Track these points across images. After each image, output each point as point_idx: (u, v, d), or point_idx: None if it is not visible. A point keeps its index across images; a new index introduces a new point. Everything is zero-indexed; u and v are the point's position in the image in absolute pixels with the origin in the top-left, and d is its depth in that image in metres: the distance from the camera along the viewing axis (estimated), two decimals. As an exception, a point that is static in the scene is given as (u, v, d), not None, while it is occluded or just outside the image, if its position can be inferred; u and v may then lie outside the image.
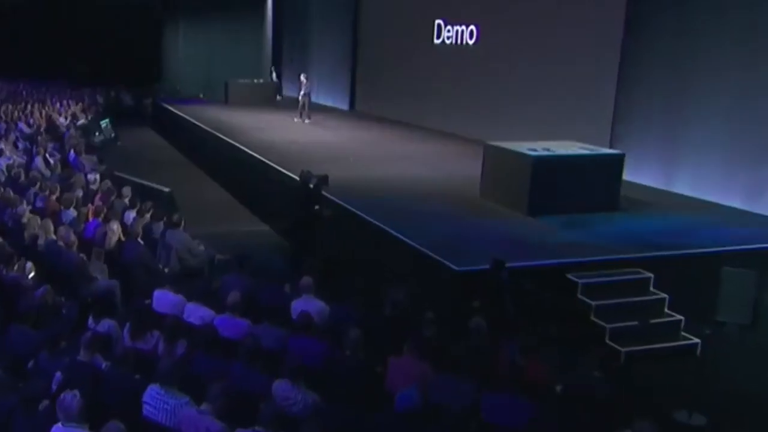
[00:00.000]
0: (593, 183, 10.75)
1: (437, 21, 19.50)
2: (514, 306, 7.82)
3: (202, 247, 9.50)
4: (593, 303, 8.35)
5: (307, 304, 7.02)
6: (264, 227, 13.03)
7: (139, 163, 17.51)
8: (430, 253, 8.71)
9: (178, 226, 9.36)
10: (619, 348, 8.02)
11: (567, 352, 7.51)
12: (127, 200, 10.59)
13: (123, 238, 9.44)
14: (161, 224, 9.60)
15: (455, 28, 18.87)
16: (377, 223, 9.92)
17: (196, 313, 6.93)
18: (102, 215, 9.56)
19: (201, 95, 25.01)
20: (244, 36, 28.49)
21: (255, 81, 25.24)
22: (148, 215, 9.87)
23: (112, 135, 20.66)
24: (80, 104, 23.94)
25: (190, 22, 32.45)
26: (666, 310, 8.53)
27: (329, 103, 25.01)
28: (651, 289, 8.69)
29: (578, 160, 10.77)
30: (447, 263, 8.40)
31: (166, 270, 8.98)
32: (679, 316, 8.45)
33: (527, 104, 15.76)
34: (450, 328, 6.90)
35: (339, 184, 11.76)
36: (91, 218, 9.79)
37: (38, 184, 11.15)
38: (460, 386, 5.43)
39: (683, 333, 8.39)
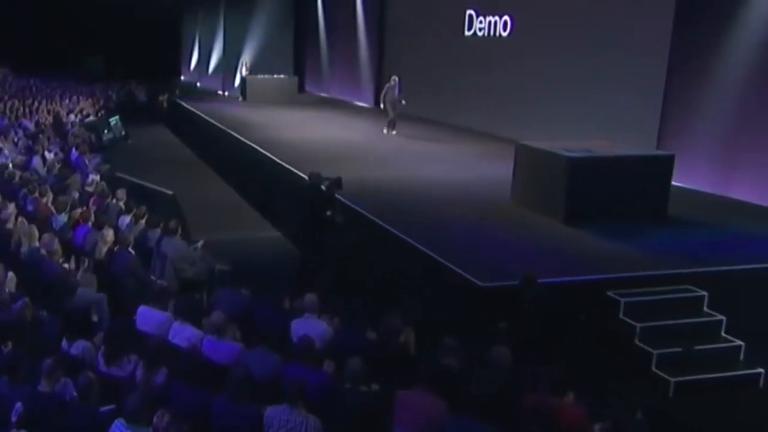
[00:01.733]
0: (638, 188, 10.00)
1: (468, 11, 18.88)
2: (546, 328, 7.16)
3: (201, 257, 8.97)
4: (637, 325, 7.64)
5: (309, 325, 6.45)
6: (275, 233, 12.51)
7: (148, 163, 17.20)
8: (451, 266, 8.08)
9: (175, 233, 8.86)
10: (667, 378, 7.29)
11: (606, 384, 6.90)
12: (122, 204, 10.10)
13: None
14: (157, 231, 9.09)
15: (488, 18, 18.22)
16: (393, 230, 9.33)
17: (183, 333, 6.39)
18: (91, 220, 9.05)
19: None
20: (265, 29, 28.06)
21: (274, 76, 24.77)
22: (143, 221, 9.37)
23: (122, 133, 20.35)
24: (90, 100, 23.70)
25: (208, 15, 32.18)
26: (723, 334, 7.78)
27: (352, 99, 24.55)
28: (705, 309, 7.95)
29: (621, 162, 10.04)
30: (470, 278, 7.76)
31: (159, 282, 8.47)
32: (738, 342, 7.68)
33: (565, 101, 15.03)
34: (470, 353, 6.27)
35: (356, 187, 11.25)
36: (80, 223, 9.29)
37: (29, 185, 10.69)
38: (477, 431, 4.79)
39: (743, 361, 7.63)
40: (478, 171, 13.28)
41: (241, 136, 16.51)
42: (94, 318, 7.83)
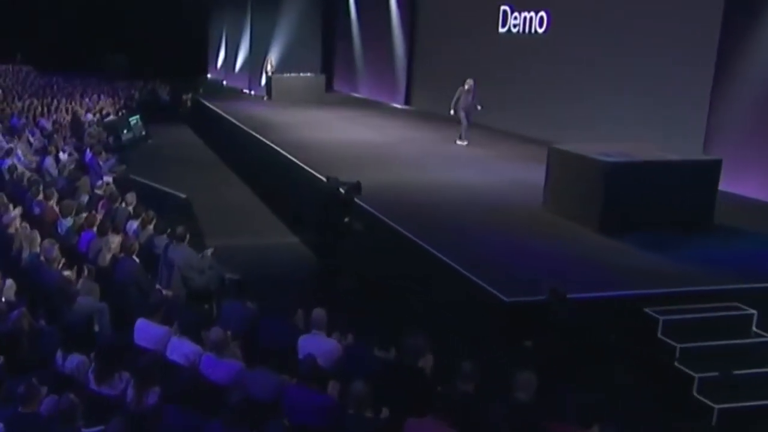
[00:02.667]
0: (681, 194, 9.52)
1: (503, 7, 18.48)
2: (576, 348, 6.77)
3: (210, 265, 8.71)
4: (678, 345, 7.20)
5: (316, 343, 6.14)
6: (294, 239, 12.24)
7: (167, 164, 17.13)
8: (475, 279, 7.72)
9: (183, 240, 8.62)
10: (710, 404, 6.85)
11: (642, 411, 6.50)
12: (131, 208, 9.90)
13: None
14: (165, 237, 8.86)
15: (523, 14, 17.81)
16: (414, 238, 9.00)
17: (181, 349, 6.13)
18: (96, 225, 8.85)
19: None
20: (292, 26, 27.90)
21: (301, 74, 24.58)
22: (150, 226, 9.15)
23: (143, 133, 20.29)
24: (110, 99, 23.73)
25: (236, 12, 32.12)
26: (773, 356, 7.32)
27: (382, 98, 24.27)
28: (754, 329, 7.48)
29: (663, 167, 9.59)
30: (494, 292, 7.39)
31: (165, 291, 8.24)
32: (789, 366, 7.23)
33: (604, 103, 14.55)
34: (491, 375, 5.90)
35: (378, 192, 11.02)
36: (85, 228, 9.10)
37: (34, 188, 10.56)
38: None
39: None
40: (509, 175, 12.89)
41: (262, 136, 16.29)
42: (97, 328, 7.68)
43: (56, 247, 7.98)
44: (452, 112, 15.84)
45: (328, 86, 27.48)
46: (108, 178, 13.73)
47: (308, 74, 24.79)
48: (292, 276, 10.12)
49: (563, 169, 10.20)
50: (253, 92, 29.28)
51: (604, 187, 9.36)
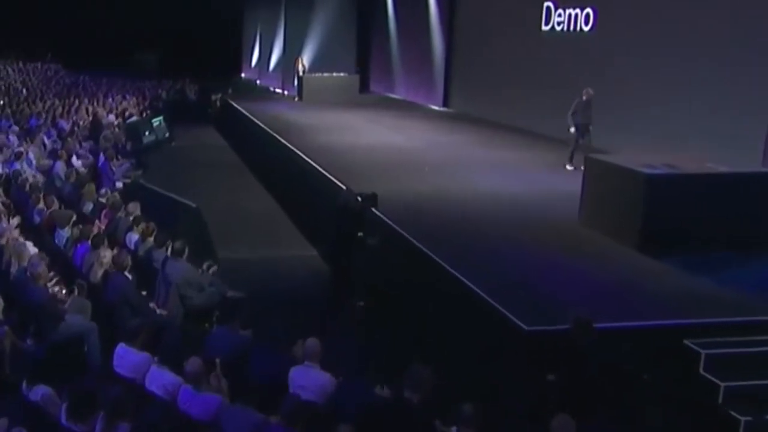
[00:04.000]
0: (734, 210, 8.94)
1: (546, 3, 17.97)
2: (604, 385, 6.30)
3: (210, 281, 8.43)
4: (722, 384, 6.65)
5: (308, 376, 5.77)
6: (312, 252, 11.91)
7: (186, 168, 17.03)
8: (492, 302, 7.27)
9: (181, 255, 8.34)
10: (757, 452, 6.32)
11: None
12: (131, 219, 9.66)
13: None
14: (164, 252, 8.59)
15: (567, 11, 17.28)
16: (431, 254, 8.57)
17: (160, 379, 5.80)
18: (90, 237, 8.61)
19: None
20: (327, 24, 27.69)
21: (334, 75, 24.33)
22: (150, 239, 8.89)
23: (166, 134, 20.21)
24: (134, 99, 23.75)
25: (270, 10, 32.08)
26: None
27: (419, 100, 23.91)
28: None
29: (713, 180, 9.02)
30: (514, 319, 6.93)
31: (159, 311, 7.96)
32: None
33: (653, 110, 13.97)
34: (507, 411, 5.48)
35: (400, 202, 10.69)
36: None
37: (35, 195, 10.41)
38: None
39: None
40: (545, 184, 12.37)
41: (284, 139, 16.03)
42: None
43: (43, 262, 7.75)
44: (572, 129, 13.64)
45: (364, 87, 27.25)
46: (120, 184, 13.64)
47: (341, 74, 24.53)
48: (302, 293, 9.78)
49: (601, 181, 9.68)
50: (286, 92, 29.20)
51: (645, 201, 8.83)
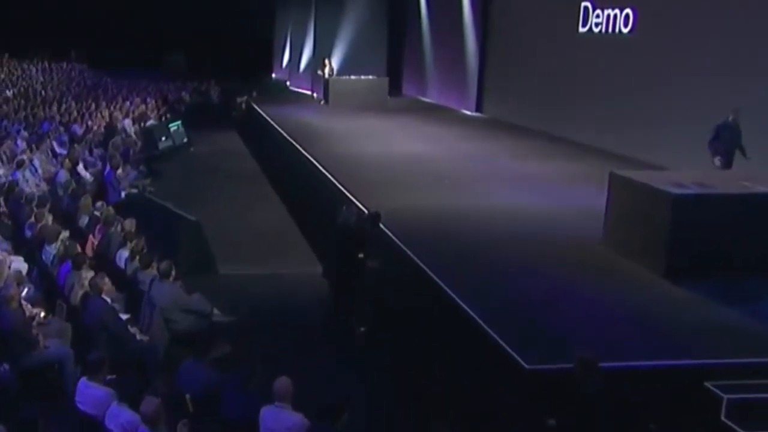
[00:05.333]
0: (770, 234, 8.52)
1: (584, 3, 17.53)
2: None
3: (195, 303, 8.23)
4: (745, 433, 6.26)
5: (278, 417, 5.51)
6: (320, 269, 11.64)
7: (199, 177, 16.89)
8: (493, 334, 6.94)
9: (167, 276, 8.14)
10: None
11: None
12: (123, 235, 9.49)
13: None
14: (151, 272, 8.41)
15: (606, 12, 16.82)
16: (434, 277, 8.30)
17: (119, 418, 5.59)
18: (73, 255, 8.45)
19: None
20: (357, 24, 27.47)
21: (362, 77, 24.10)
22: (137, 259, 8.73)
23: (184, 140, 20.12)
24: (154, 102, 23.78)
25: (301, 10, 31.98)
26: None
27: (452, 104, 23.60)
28: None
29: (746, 201, 8.57)
30: (514, 355, 6.59)
31: (140, 336, 7.78)
32: None
33: (696, 120, 13.45)
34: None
35: (415, 217, 10.53)
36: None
37: (28, 207, 10.33)
38: None
39: None
40: (574, 200, 11.90)
41: (303, 147, 15.84)
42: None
43: (14, 284, 7.60)
44: (716, 161, 11.75)
45: (396, 90, 27.01)
46: (126, 193, 13.56)
47: (369, 77, 24.27)
48: (301, 315, 9.54)
49: (626, 199, 9.30)
50: (315, 95, 29.06)
51: (672, 223, 8.44)
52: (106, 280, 7.78)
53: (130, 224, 9.74)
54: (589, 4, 17.40)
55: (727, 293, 8.09)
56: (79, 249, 8.76)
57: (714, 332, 7.30)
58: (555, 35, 18.51)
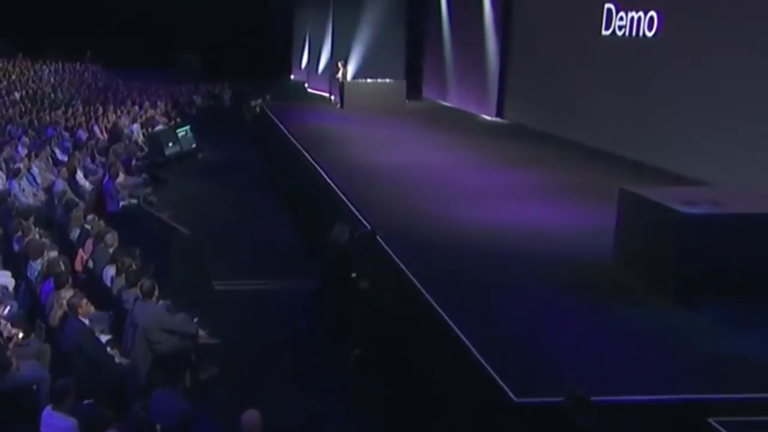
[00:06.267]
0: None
1: (607, 5, 17.33)
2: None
3: (179, 323, 8.18)
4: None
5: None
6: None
7: (203, 185, 16.96)
8: (483, 362, 6.80)
9: (150, 296, 8.09)
10: None
11: None
12: (111, 251, 9.47)
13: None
14: (134, 292, 8.37)
15: (630, 14, 16.60)
16: (427, 296, 8.17)
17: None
18: (55, 273, 8.44)
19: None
20: (375, 25, 27.40)
21: (379, 81, 24.04)
22: (123, 276, 8.70)
23: (192, 145, 20.16)
24: (163, 106, 23.86)
25: (319, 10, 31.98)
26: None
27: (471, 109, 23.47)
28: None
29: (759, 221, 8.35)
30: (503, 385, 6.45)
31: (119, 359, 7.74)
32: None
33: (724, 127, 13.24)
34: None
35: (418, 233, 10.44)
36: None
37: (16, 220, 10.35)
38: None
39: None
40: (589, 215, 11.67)
41: (311, 155, 15.79)
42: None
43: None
44: None
45: (416, 93, 26.97)
46: (125, 203, 13.58)
47: (386, 80, 24.20)
48: (293, 335, 9.44)
49: (636, 217, 9.12)
50: (333, 97, 29.06)
51: (680, 244, 8.26)
52: (84, 300, 7.74)
53: (111, 238, 9.71)
54: (612, 6, 17.21)
55: (737, 320, 7.87)
56: (62, 267, 8.74)
57: (721, 363, 7.08)
58: (577, 38, 18.33)
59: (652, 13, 15.87)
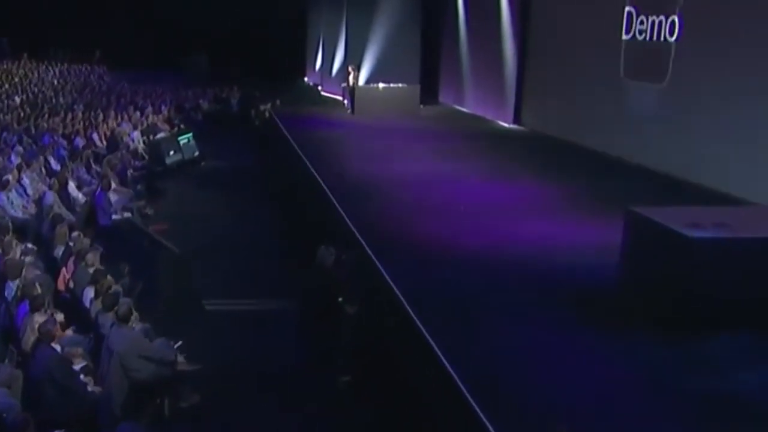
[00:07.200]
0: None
1: (628, 8, 17.23)
2: None
3: (158, 349, 8.19)
4: None
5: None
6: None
7: (204, 196, 17.13)
8: (469, 398, 6.73)
9: (126, 321, 8.10)
10: None
11: None
12: (91, 271, 9.49)
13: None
14: (110, 316, 8.38)
15: (651, 18, 16.48)
16: (418, 323, 8.11)
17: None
18: (31, 296, 8.46)
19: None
20: (389, 28, 27.39)
21: (391, 85, 24.03)
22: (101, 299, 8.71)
23: (195, 153, 20.25)
24: (167, 112, 23.95)
25: (333, 12, 32.06)
26: None
27: (488, 115, 23.41)
28: None
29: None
30: (484, 420, 6.38)
31: (92, 388, 7.75)
32: None
33: (747, 137, 13.09)
34: None
35: (416, 252, 10.39)
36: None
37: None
38: None
39: None
40: (598, 229, 11.49)
41: (312, 165, 15.77)
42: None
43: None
44: None
45: (433, 98, 26.95)
46: (118, 216, 13.63)
47: (399, 85, 24.18)
48: (281, 358, 9.42)
49: (640, 239, 9.00)
50: (346, 101, 29.10)
51: (684, 270, 8.13)
52: (57, 326, 7.76)
53: (92, 258, 9.73)
54: (632, 9, 17.09)
55: (738, 351, 7.70)
56: (38, 289, 8.75)
57: (724, 402, 6.93)
58: (598, 41, 18.22)
59: (674, 17, 15.75)
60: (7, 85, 27.24)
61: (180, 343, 8.69)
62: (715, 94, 14.18)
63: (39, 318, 8.06)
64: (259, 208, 16.48)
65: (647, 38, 16.60)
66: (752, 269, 8.08)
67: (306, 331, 9.00)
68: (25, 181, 14.37)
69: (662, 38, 16.08)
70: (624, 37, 17.36)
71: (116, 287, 9.32)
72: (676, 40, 15.70)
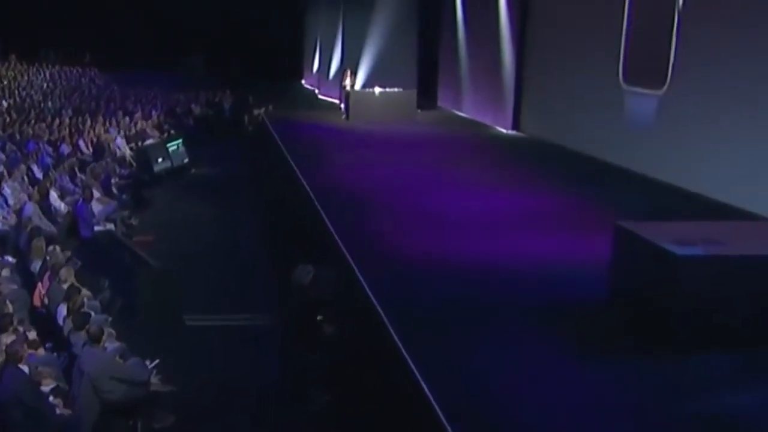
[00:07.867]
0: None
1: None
2: None
3: (131, 370, 8.20)
4: None
5: None
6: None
7: (191, 205, 17.11)
8: (447, 425, 6.73)
9: (97, 341, 8.10)
10: None
11: None
12: (65, 287, 9.50)
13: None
14: (81, 336, 8.39)
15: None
16: (403, 350, 8.08)
17: None
18: (1, 313, 8.48)
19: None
20: (386, 31, 27.43)
21: (387, 90, 24.05)
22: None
23: (184, 161, 20.28)
24: (157, 117, 23.99)
25: (330, 15, 32.13)
26: None
27: (487, 120, 23.43)
28: None
29: (761, 265, 8.19)
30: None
31: (60, 410, 7.76)
32: None
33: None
34: None
35: (400, 267, 10.36)
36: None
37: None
38: None
39: None
40: (592, 242, 11.41)
41: (300, 173, 15.79)
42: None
43: None
44: None
45: (431, 102, 26.99)
46: (100, 228, 13.66)
47: (395, 89, 24.21)
48: (259, 377, 9.44)
49: (628, 255, 8.99)
50: (343, 105, 29.15)
51: (671, 288, 8.12)
52: (25, 346, 7.77)
53: (66, 273, 9.75)
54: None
55: (729, 372, 7.69)
56: (9, 307, 8.77)
57: (714, 425, 6.91)
58: (597, 47, 18.22)
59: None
60: (-6, 89, 27.29)
61: (156, 362, 8.70)
62: (714, 102, 14.18)
63: (6, 339, 8.06)
64: (249, 217, 16.53)
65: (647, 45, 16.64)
66: (742, 288, 8.05)
67: (286, 348, 9.00)
68: (6, 191, 14.40)
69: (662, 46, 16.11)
70: (623, 43, 17.36)
71: (92, 303, 9.35)
72: (675, 48, 15.72)
